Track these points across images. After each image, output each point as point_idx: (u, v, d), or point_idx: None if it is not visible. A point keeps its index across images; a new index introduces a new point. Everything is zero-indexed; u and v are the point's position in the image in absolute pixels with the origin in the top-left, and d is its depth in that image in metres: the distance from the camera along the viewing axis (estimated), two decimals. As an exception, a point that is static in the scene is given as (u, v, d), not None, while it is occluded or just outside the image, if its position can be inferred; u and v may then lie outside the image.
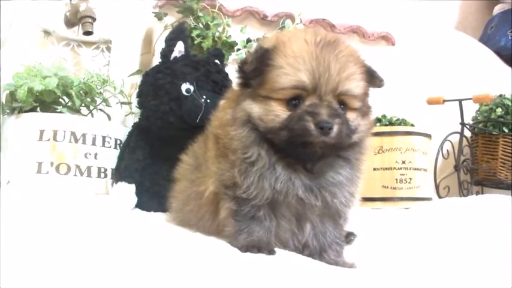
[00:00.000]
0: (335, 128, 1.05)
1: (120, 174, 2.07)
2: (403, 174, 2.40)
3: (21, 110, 2.09)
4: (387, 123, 2.53)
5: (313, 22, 2.79)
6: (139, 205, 1.96)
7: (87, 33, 2.44)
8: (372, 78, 1.19)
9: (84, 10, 2.39)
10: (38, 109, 2.11)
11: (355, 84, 1.11)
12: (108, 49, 2.63)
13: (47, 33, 2.58)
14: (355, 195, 1.22)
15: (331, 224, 1.22)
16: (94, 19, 2.43)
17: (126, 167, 2.05)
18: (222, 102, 1.28)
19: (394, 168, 2.40)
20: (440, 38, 3.29)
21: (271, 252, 1.13)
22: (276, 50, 1.10)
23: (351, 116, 1.14)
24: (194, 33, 2.44)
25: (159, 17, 2.51)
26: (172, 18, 2.54)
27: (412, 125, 2.54)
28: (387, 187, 2.40)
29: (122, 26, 2.58)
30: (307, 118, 1.05)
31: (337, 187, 1.16)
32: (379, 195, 2.41)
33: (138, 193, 1.97)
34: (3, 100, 2.12)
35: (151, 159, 2.07)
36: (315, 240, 1.21)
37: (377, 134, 2.43)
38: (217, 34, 2.48)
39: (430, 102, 2.75)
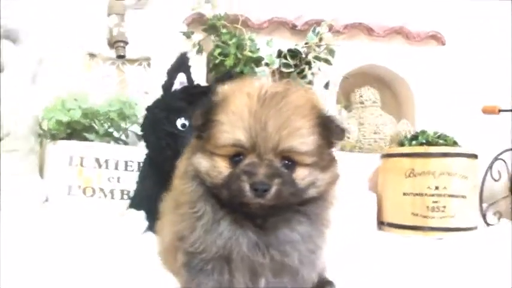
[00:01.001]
0: (273, 189, 1.00)
1: (131, 201, 2.20)
2: (436, 202, 2.17)
3: (56, 137, 2.28)
4: (423, 141, 2.26)
5: (348, 27, 2.59)
6: (151, 228, 1.96)
7: (119, 56, 2.59)
8: (329, 131, 1.09)
9: (116, 35, 2.47)
10: (71, 136, 2.26)
11: (299, 141, 1.03)
12: (150, 65, 2.72)
13: (92, 55, 2.72)
14: (316, 252, 1.15)
15: (290, 280, 1.16)
16: (126, 43, 2.54)
17: (136, 195, 2.18)
18: (185, 151, 1.23)
19: (426, 194, 2.18)
20: (497, 39, 2.91)
21: None
22: (220, 105, 1.06)
23: (302, 172, 1.06)
24: (216, 52, 2.37)
25: (187, 35, 2.48)
26: (200, 36, 2.48)
27: (455, 143, 2.27)
28: (417, 215, 2.19)
29: (158, 44, 2.62)
30: (242, 178, 1.00)
31: (289, 245, 1.10)
32: (409, 223, 2.22)
33: (149, 218, 1.99)
34: (45, 127, 2.33)
35: (160, 187, 2.05)
36: None
37: (408, 155, 2.24)
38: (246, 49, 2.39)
39: (486, 111, 2.45)
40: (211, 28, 2.43)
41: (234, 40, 2.34)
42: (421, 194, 2.21)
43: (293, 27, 2.51)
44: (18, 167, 2.16)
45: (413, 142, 2.31)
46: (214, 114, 1.05)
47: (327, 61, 2.45)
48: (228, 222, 1.10)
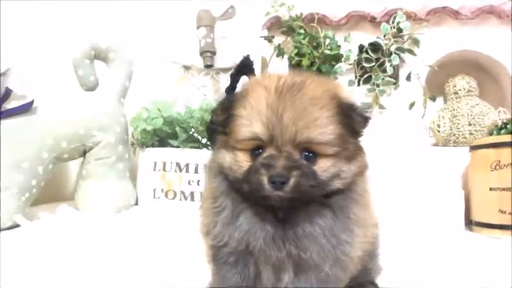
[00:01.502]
0: (291, 182, 0.98)
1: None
2: None
3: (145, 145, 2.50)
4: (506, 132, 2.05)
5: (432, 13, 2.40)
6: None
7: (207, 66, 2.68)
8: (350, 120, 1.06)
9: (203, 46, 2.57)
10: (159, 143, 2.49)
11: (317, 131, 1.01)
12: (242, 73, 2.79)
13: (186, 67, 2.88)
14: (340, 247, 1.09)
15: (313, 277, 1.13)
16: (213, 53, 2.62)
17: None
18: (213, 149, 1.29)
19: None
20: None
21: None
22: (240, 99, 1.07)
23: (324, 164, 1.04)
24: (293, 52, 2.37)
25: (269, 39, 2.51)
26: (281, 38, 2.49)
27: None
28: (505, 212, 1.98)
29: (246, 51, 2.64)
30: (261, 171, 1.00)
31: (307, 239, 1.08)
32: (496, 221, 2.01)
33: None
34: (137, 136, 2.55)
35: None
36: None
37: (494, 145, 2.02)
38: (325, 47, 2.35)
39: None
40: (289, 30, 2.43)
41: (306, 39, 2.31)
42: (508, 189, 1.98)
43: (372, 20, 2.41)
44: (107, 174, 2.33)
45: (502, 131, 2.08)
46: (235, 109, 1.06)
47: (410, 52, 2.34)
48: (247, 216, 1.11)
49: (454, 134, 2.39)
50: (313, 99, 1.03)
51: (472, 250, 1.77)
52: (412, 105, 2.31)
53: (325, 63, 2.34)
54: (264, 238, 1.10)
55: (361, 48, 2.35)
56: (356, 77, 2.41)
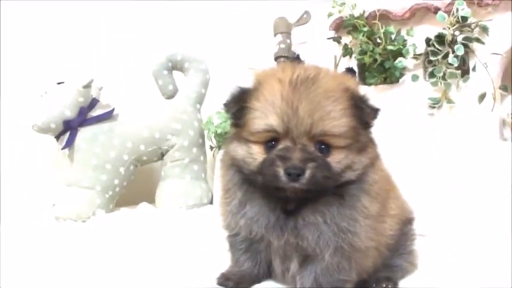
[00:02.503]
0: (307, 174, 1.04)
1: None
2: None
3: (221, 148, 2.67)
4: None
5: (499, -1, 2.23)
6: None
7: None
8: (361, 112, 1.13)
9: (277, 51, 2.65)
10: None
11: (332, 124, 1.07)
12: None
13: None
14: (342, 236, 1.13)
15: (318, 266, 1.17)
16: (287, 57, 2.66)
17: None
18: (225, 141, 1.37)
19: None
20: None
21: (249, 285, 1.29)
22: (253, 92, 1.13)
23: (338, 155, 1.10)
24: (357, 51, 2.36)
25: (337, 40, 2.50)
26: (347, 38, 2.48)
27: None
28: None
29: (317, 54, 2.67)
30: (277, 163, 1.05)
31: (307, 228, 1.13)
32: None
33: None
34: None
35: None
36: (299, 280, 1.21)
37: None
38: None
39: None
40: (353, 29, 2.41)
41: (361, 36, 2.29)
42: None
43: (436, 11, 2.31)
44: (182, 174, 2.52)
45: None
46: (248, 101, 1.13)
47: (478, 40, 2.21)
48: (253, 205, 1.19)
49: (535, 126, 2.21)
50: (327, 92, 1.09)
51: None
52: (482, 97, 2.17)
53: (388, 59, 2.30)
54: (266, 226, 1.17)
55: (427, 41, 2.25)
56: (425, 71, 2.34)
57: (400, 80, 2.35)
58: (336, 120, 1.07)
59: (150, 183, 2.76)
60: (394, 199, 1.33)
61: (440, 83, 2.22)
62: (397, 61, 2.26)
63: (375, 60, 2.30)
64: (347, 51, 2.43)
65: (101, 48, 2.79)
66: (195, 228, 2.06)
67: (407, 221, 1.43)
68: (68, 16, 2.77)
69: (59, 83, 2.41)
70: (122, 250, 1.72)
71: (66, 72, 2.49)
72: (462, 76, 2.22)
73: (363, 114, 1.13)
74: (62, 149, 2.38)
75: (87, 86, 2.39)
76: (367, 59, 2.29)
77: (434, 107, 2.26)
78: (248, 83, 1.18)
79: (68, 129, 2.38)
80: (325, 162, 1.07)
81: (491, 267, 1.28)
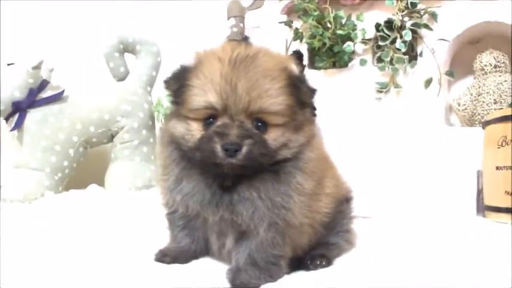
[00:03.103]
0: (244, 150, 1.05)
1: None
2: None
3: None
4: None
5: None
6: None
7: None
8: (298, 92, 1.14)
9: (229, 35, 2.64)
10: None
11: (269, 101, 1.08)
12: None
13: None
14: (276, 211, 1.14)
15: (253, 242, 1.17)
16: (239, 41, 2.61)
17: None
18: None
19: None
20: None
21: (185, 261, 1.29)
22: (193, 70, 1.14)
23: (274, 133, 1.12)
24: (306, 35, 2.36)
25: (288, 24, 2.50)
26: (299, 23, 2.47)
27: None
28: (510, 193, 1.79)
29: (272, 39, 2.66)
30: (215, 139, 1.06)
31: (242, 203, 1.14)
32: (503, 205, 1.82)
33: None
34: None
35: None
36: (234, 257, 1.21)
37: (501, 119, 1.85)
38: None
39: None
40: (303, 13, 2.40)
41: (310, 20, 2.28)
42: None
43: (383, -3, 2.32)
44: (131, 156, 2.52)
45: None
46: (188, 79, 1.13)
47: (426, 26, 2.23)
48: (189, 181, 1.20)
49: (479, 114, 2.22)
50: (266, 70, 1.10)
51: (479, 237, 1.63)
52: (428, 82, 2.19)
53: (337, 43, 2.31)
54: (201, 202, 1.18)
55: (377, 26, 2.27)
56: (374, 56, 2.35)
57: (350, 65, 2.37)
58: (273, 98, 1.08)
59: (102, 165, 2.73)
60: (330, 178, 1.34)
61: (388, 68, 2.24)
62: (345, 45, 2.27)
63: (324, 44, 2.30)
64: (297, 35, 2.43)
65: (53, 30, 2.76)
66: (143, 209, 2.06)
67: (344, 200, 1.45)
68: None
69: (8, 64, 2.37)
70: (68, 231, 1.71)
71: (17, 53, 2.47)
72: (410, 62, 2.25)
73: (299, 93, 1.14)
74: (11, 130, 2.36)
75: (37, 67, 2.36)
76: (316, 43, 2.30)
77: (381, 92, 2.29)
78: (189, 62, 1.19)
79: (17, 111, 2.36)
80: (262, 139, 1.09)
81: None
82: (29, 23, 2.68)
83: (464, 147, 2.09)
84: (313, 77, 2.40)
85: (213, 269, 1.26)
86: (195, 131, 1.13)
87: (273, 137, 1.12)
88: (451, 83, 2.48)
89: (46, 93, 2.41)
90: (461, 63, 2.45)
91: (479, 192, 2.01)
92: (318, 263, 1.28)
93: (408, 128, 2.22)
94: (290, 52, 2.51)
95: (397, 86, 2.24)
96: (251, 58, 1.11)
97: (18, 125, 2.34)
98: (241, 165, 1.07)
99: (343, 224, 1.43)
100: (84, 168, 2.64)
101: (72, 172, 2.52)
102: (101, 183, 2.52)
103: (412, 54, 2.29)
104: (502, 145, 1.84)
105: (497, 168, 1.86)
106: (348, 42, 2.26)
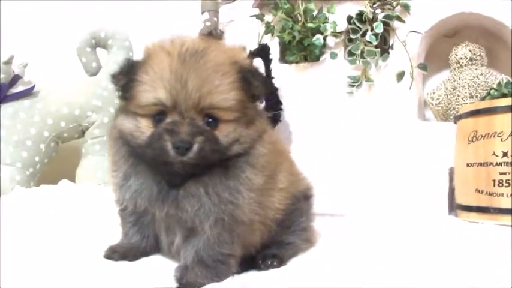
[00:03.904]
0: (195, 147, 1.01)
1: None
2: (504, 173, 1.66)
3: None
4: (497, 95, 1.76)
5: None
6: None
7: None
8: (249, 85, 1.10)
9: (201, 29, 2.58)
10: None
11: (220, 97, 1.04)
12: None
13: None
14: (223, 207, 1.09)
15: (201, 240, 1.13)
16: (211, 35, 2.59)
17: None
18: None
19: (491, 163, 1.68)
20: None
21: (134, 259, 1.25)
22: (141, 65, 1.09)
23: (226, 129, 1.08)
24: (277, 28, 2.33)
25: (260, 17, 2.45)
26: (270, 17, 2.42)
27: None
28: (482, 192, 1.71)
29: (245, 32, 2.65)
30: (165, 137, 1.02)
31: (187, 199, 1.10)
32: (473, 203, 1.75)
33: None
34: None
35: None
36: (183, 255, 1.17)
37: (472, 113, 1.77)
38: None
39: None
40: (274, 6, 2.36)
41: (279, 13, 2.24)
42: (485, 164, 1.71)
43: (354, -12, 2.26)
44: (101, 151, 2.49)
45: (487, 97, 1.82)
46: (136, 74, 1.08)
47: (399, 18, 2.17)
48: (137, 177, 1.15)
49: (454, 108, 2.15)
50: (216, 65, 1.06)
51: (450, 236, 1.57)
52: (400, 76, 2.13)
53: (307, 36, 2.25)
54: (149, 198, 1.13)
55: (349, 19, 2.22)
56: (345, 50, 2.30)
57: (321, 58, 2.33)
58: (224, 94, 1.05)
59: (73, 160, 2.68)
60: (284, 173, 1.29)
61: (359, 61, 2.19)
62: (314, 38, 2.22)
63: (294, 37, 2.26)
64: (269, 29, 2.38)
65: (27, 25, 2.75)
66: (113, 204, 2.05)
67: (302, 197, 1.39)
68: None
69: (-21, 59, 2.39)
70: (36, 226, 1.69)
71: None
72: (382, 55, 2.19)
73: (251, 87, 1.11)
74: (-17, 125, 2.37)
75: (8, 62, 2.33)
76: (286, 37, 2.26)
77: (353, 86, 2.23)
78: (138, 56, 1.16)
79: (-11, 106, 2.37)
80: (213, 136, 1.06)
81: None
82: (2, 17, 2.68)
83: (438, 143, 2.05)
84: (283, 71, 2.38)
85: (161, 267, 1.23)
86: (144, 127, 1.08)
87: (225, 133, 1.08)
88: (426, 77, 2.42)
89: (17, 89, 2.40)
90: (437, 56, 2.39)
91: (452, 190, 1.95)
92: (269, 263, 1.24)
93: (380, 123, 2.18)
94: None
95: (368, 80, 2.19)
96: (201, 53, 1.07)
97: (-10, 120, 2.35)
98: (192, 163, 1.04)
99: (300, 222, 1.38)
100: (56, 163, 2.62)
101: (43, 167, 2.50)
102: (73, 179, 2.48)
103: (384, 48, 2.23)
104: (472, 140, 1.77)
105: (467, 165, 1.79)
106: (318, 36, 2.21)
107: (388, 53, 2.18)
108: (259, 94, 1.16)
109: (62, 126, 2.42)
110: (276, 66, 2.35)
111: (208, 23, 2.57)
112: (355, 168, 2.10)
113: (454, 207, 1.93)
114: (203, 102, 1.03)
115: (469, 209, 1.78)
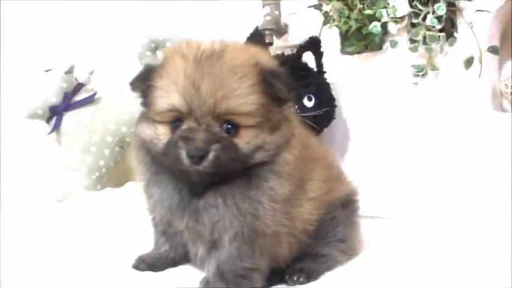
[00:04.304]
0: (210, 155, 0.98)
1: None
2: None
3: None
4: None
5: None
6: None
7: (268, 44, 2.53)
8: (273, 88, 1.05)
9: (263, 23, 2.50)
10: None
11: (238, 102, 1.00)
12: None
13: None
14: (242, 220, 1.06)
15: (223, 253, 1.11)
16: (273, 30, 2.51)
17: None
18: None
19: None
20: None
21: (162, 269, 1.26)
22: (157, 70, 1.07)
23: (247, 135, 1.04)
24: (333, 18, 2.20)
25: (318, 8, 2.32)
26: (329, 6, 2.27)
27: None
28: None
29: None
30: (179, 145, 1.00)
31: (207, 211, 1.07)
32: None
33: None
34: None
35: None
36: (206, 267, 1.15)
37: None
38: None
39: None
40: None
41: (335, 1, 2.10)
42: None
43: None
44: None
45: None
46: (153, 79, 1.07)
47: (464, -4, 1.95)
48: (158, 185, 1.14)
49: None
50: (233, 67, 1.01)
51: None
52: (468, 62, 1.92)
53: (365, 24, 2.09)
54: (169, 208, 1.12)
55: (411, 2, 2.02)
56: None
57: (384, 47, 2.16)
58: (243, 98, 1.00)
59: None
60: (317, 180, 1.21)
61: (422, 48, 2.00)
62: (371, 26, 2.05)
63: (350, 26, 2.11)
64: (327, 19, 2.25)
65: (85, 33, 2.83)
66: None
67: (339, 205, 1.30)
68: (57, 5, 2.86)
69: (46, 71, 2.48)
70: (102, 229, 1.74)
71: (57, 59, 2.56)
72: (447, 39, 1.99)
73: (273, 90, 1.05)
74: (48, 134, 2.44)
75: (69, 72, 2.41)
76: (342, 26, 2.12)
77: (418, 76, 2.05)
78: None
79: (54, 115, 2.43)
80: (231, 143, 1.01)
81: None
82: (63, 27, 2.77)
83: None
84: (344, 63, 2.25)
85: (187, 278, 1.20)
86: (162, 135, 1.06)
87: (246, 139, 1.03)
88: (503, 62, 2.14)
89: (80, 96, 2.47)
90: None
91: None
92: (295, 278, 1.17)
93: (449, 115, 1.98)
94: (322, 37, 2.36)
95: (434, 68, 1.99)
96: (217, 54, 1.02)
97: (55, 128, 2.42)
98: (208, 173, 1.00)
99: (336, 233, 1.29)
100: (124, 166, 2.65)
101: (110, 171, 2.54)
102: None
103: (451, 31, 2.02)
104: None
105: None
106: (374, 23, 2.03)
107: (455, 37, 1.98)
108: (285, 97, 1.09)
109: (124, 131, 2.45)
110: (337, 59, 2.24)
111: (268, 17, 2.48)
112: (421, 166, 1.94)
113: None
114: (219, 107, 0.99)
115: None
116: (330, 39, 2.29)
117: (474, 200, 1.78)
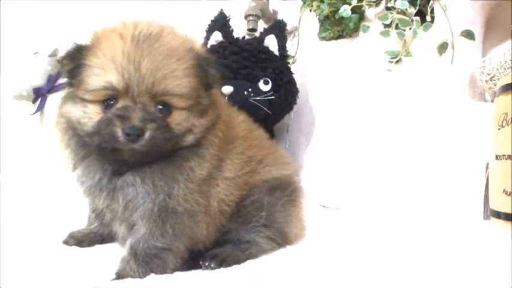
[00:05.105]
0: (147, 134, 0.99)
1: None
2: None
3: None
4: None
5: None
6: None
7: (251, 30, 2.54)
8: (205, 73, 1.07)
9: (247, 10, 2.52)
10: None
11: (175, 83, 1.02)
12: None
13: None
14: (150, 196, 1.05)
15: (137, 231, 1.09)
16: (258, 16, 2.52)
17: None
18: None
19: None
20: None
21: (89, 245, 1.29)
22: (90, 48, 1.05)
23: (178, 117, 1.05)
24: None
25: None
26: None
27: None
28: (509, 194, 1.34)
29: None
30: (115, 123, 0.99)
31: (123, 189, 1.07)
32: (501, 208, 1.39)
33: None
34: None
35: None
36: (126, 246, 1.13)
37: (504, 89, 1.40)
38: None
39: None
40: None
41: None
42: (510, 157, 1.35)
43: None
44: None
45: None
46: (84, 58, 1.05)
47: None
48: (84, 165, 1.13)
49: (512, 85, 1.77)
50: (171, 50, 1.02)
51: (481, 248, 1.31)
52: (442, 47, 1.81)
53: (339, 9, 1.97)
54: (90, 187, 1.12)
55: (387, -15, 1.94)
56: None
57: (361, 33, 2.05)
58: (179, 80, 1.01)
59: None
60: (236, 160, 1.18)
61: (389, 34, 1.89)
62: (341, 10, 1.96)
63: (323, 10, 2.02)
64: (305, 4, 2.17)
65: (73, 15, 2.86)
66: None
67: (267, 188, 1.24)
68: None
69: (35, 53, 2.51)
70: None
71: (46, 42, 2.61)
72: (422, 24, 1.88)
73: (206, 75, 1.07)
74: (32, 114, 2.47)
75: (53, 55, 2.43)
76: (316, 11, 2.04)
77: (392, 62, 1.94)
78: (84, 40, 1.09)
79: (39, 96, 2.46)
80: (166, 124, 1.01)
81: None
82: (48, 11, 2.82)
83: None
84: (320, 49, 2.17)
85: (110, 255, 1.19)
86: (92, 113, 1.04)
87: (177, 121, 1.04)
88: (487, 49, 2.01)
89: (64, 79, 2.51)
90: (500, 24, 1.98)
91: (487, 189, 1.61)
92: (207, 263, 1.13)
93: (422, 104, 1.86)
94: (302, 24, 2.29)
95: (408, 53, 1.88)
96: (155, 36, 1.02)
97: (39, 109, 2.46)
98: (143, 151, 0.99)
99: (260, 217, 1.22)
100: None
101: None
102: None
103: (432, 16, 1.88)
104: (502, 125, 1.41)
105: (496, 157, 1.44)
106: (345, 6, 1.95)
107: (430, 22, 1.87)
108: (215, 83, 1.11)
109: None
110: (315, 44, 2.18)
111: (252, 4, 2.45)
112: (393, 155, 1.84)
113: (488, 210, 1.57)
114: (157, 87, 0.99)
115: (497, 215, 1.43)
116: (309, 25, 2.23)
117: (445, 191, 1.69)
